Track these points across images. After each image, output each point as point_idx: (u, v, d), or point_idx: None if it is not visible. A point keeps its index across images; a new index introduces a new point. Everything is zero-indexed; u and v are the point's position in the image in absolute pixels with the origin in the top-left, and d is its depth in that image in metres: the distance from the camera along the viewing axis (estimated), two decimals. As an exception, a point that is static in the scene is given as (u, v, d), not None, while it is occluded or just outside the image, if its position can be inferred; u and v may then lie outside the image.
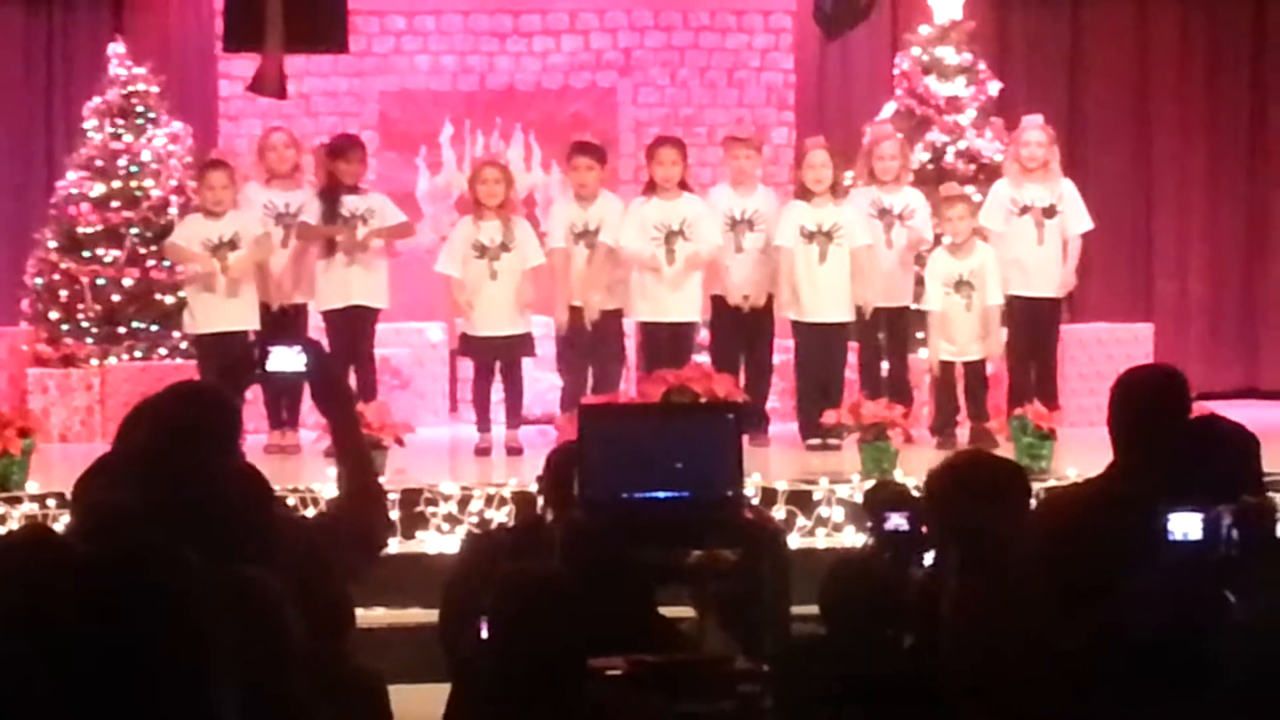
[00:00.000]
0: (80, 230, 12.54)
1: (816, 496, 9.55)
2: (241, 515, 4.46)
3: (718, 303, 11.37)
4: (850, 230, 11.21)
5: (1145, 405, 5.31)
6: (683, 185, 11.32)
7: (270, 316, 11.19)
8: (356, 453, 5.12)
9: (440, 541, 9.28)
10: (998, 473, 5.34)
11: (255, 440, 10.42)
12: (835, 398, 10.84)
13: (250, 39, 11.39)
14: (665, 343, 11.22)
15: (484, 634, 4.78)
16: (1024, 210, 11.40)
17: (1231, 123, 14.75)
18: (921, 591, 5.23)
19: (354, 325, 11.25)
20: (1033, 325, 11.44)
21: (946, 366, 11.29)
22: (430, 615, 6.51)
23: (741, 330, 11.40)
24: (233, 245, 11.10)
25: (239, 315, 11.08)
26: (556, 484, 6.64)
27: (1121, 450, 5.32)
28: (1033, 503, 5.53)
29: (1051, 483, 9.29)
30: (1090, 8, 14.70)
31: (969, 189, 11.80)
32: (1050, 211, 11.40)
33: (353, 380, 10.77)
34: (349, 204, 11.23)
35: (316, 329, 11.24)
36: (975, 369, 11.29)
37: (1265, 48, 14.68)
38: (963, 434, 11.20)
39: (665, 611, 6.30)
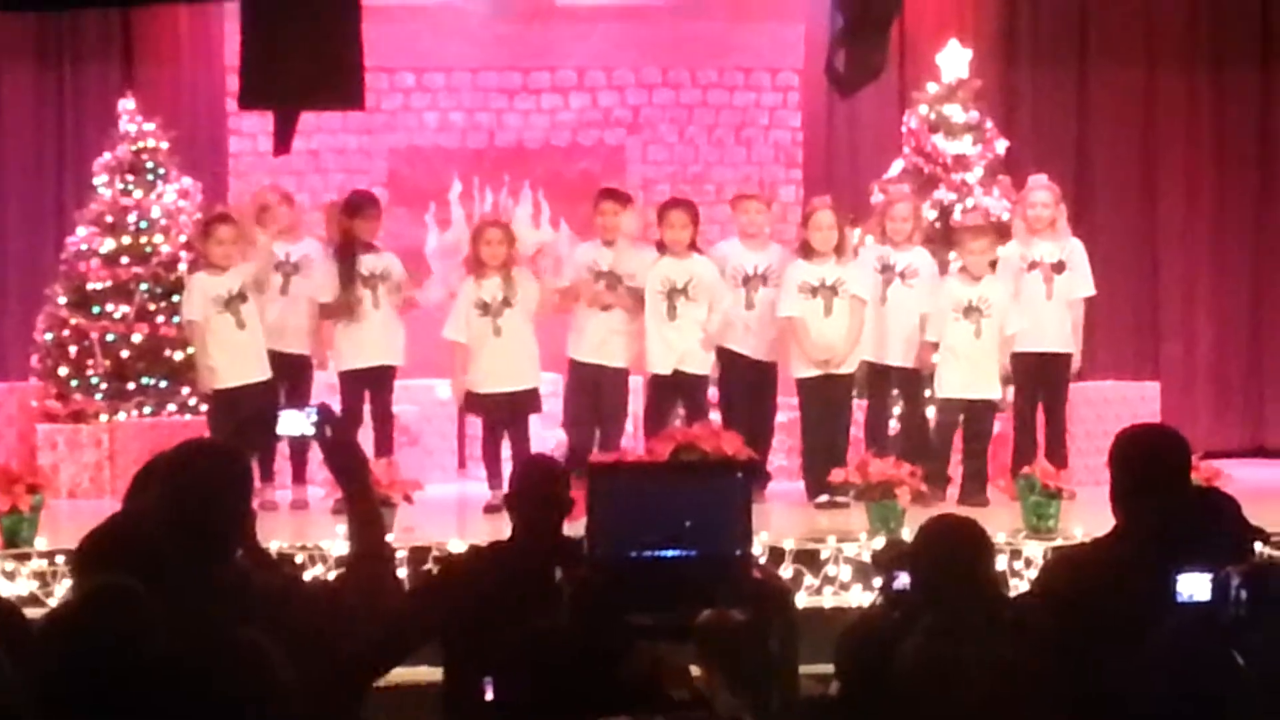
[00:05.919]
0: (90, 286, 12.57)
1: (824, 555, 9.55)
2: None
3: (725, 357, 11.40)
4: (852, 285, 11.23)
5: (1147, 465, 5.30)
6: (693, 246, 11.34)
7: (279, 367, 11.21)
8: (366, 516, 5.12)
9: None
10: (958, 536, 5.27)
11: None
12: (841, 456, 10.84)
13: (265, 95, 11.46)
14: (671, 393, 11.31)
15: (489, 695, 4.77)
16: (1032, 266, 11.43)
17: (1238, 182, 14.77)
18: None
19: (374, 383, 11.34)
20: (1042, 380, 11.45)
21: (948, 406, 11.25)
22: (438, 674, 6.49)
23: (747, 385, 11.42)
24: (243, 298, 11.13)
25: (254, 368, 11.11)
26: (523, 498, 6.50)
27: (1124, 511, 5.31)
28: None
29: (1059, 542, 9.29)
30: (1097, 68, 14.73)
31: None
32: (1059, 267, 11.45)
33: (371, 438, 10.90)
34: (367, 263, 11.27)
35: (328, 385, 11.28)
36: (979, 415, 11.25)
37: (1271, 108, 14.72)
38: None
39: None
